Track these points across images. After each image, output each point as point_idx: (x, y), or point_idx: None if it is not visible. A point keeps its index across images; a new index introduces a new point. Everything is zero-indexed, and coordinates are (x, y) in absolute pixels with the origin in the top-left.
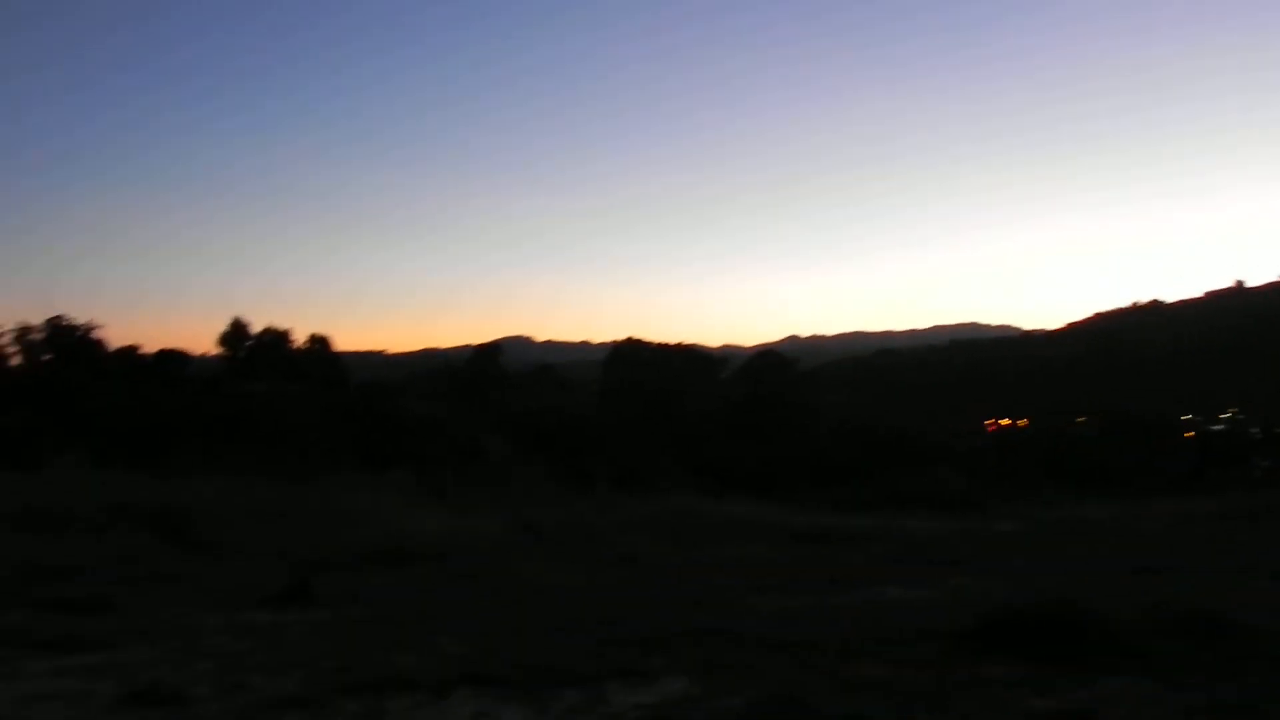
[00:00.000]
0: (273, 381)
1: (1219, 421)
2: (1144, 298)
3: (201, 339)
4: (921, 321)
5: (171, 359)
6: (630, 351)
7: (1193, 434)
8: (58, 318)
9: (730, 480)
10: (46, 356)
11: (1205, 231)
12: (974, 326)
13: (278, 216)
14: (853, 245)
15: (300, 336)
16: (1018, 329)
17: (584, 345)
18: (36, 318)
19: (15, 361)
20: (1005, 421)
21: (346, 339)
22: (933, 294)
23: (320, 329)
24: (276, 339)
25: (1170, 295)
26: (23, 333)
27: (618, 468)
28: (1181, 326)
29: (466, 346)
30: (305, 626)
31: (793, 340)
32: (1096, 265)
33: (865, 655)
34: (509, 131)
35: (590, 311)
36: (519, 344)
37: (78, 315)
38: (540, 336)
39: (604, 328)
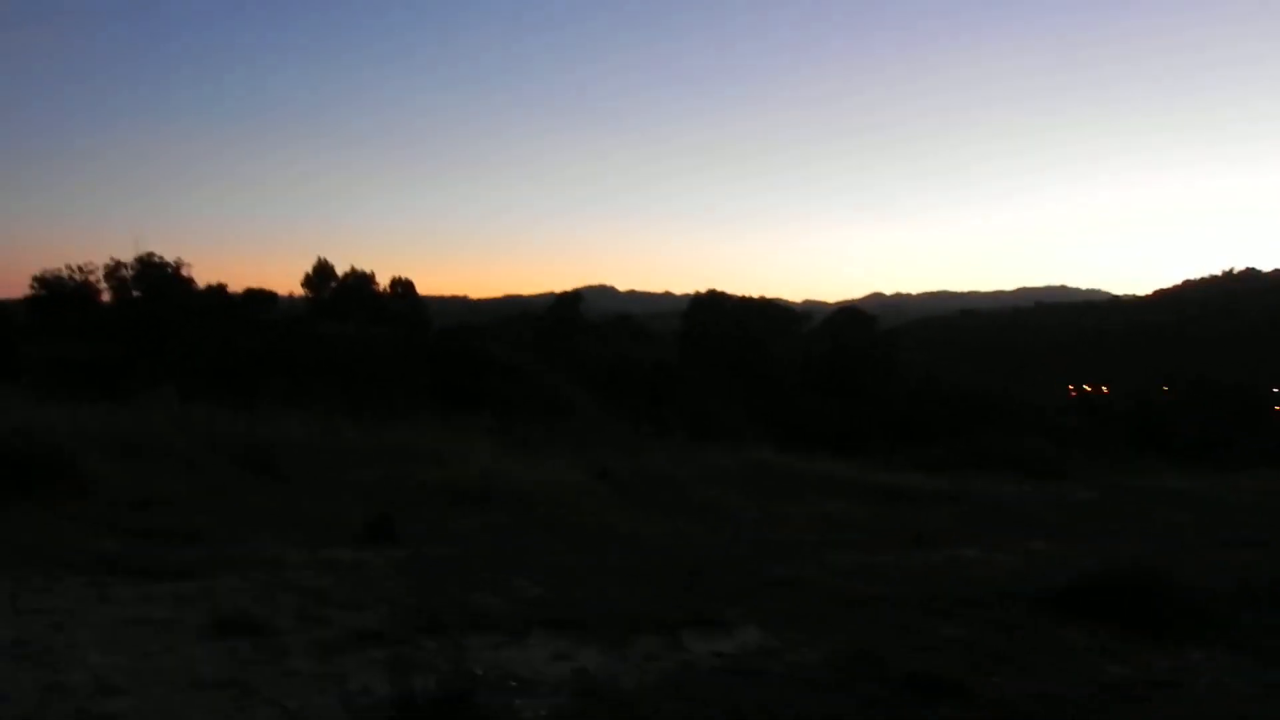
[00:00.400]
0: (357, 323)
1: None
2: (1238, 265)
3: (288, 280)
4: (1008, 283)
5: (258, 298)
6: (712, 303)
7: None
8: (148, 255)
9: (810, 436)
10: (136, 293)
11: None
12: (1062, 289)
13: (366, 160)
14: (940, 203)
15: (384, 280)
16: (1106, 293)
17: (666, 296)
18: (127, 255)
19: (107, 297)
20: (1089, 387)
21: (429, 283)
22: (1020, 254)
23: (404, 273)
24: (360, 281)
25: (1266, 263)
26: (114, 269)
27: (697, 419)
28: (1276, 295)
29: (549, 294)
30: (387, 563)
31: (876, 298)
32: (1191, 230)
33: (943, 614)
34: (599, 79)
35: (673, 262)
36: (601, 292)
37: (167, 253)
38: (622, 286)
39: (687, 279)
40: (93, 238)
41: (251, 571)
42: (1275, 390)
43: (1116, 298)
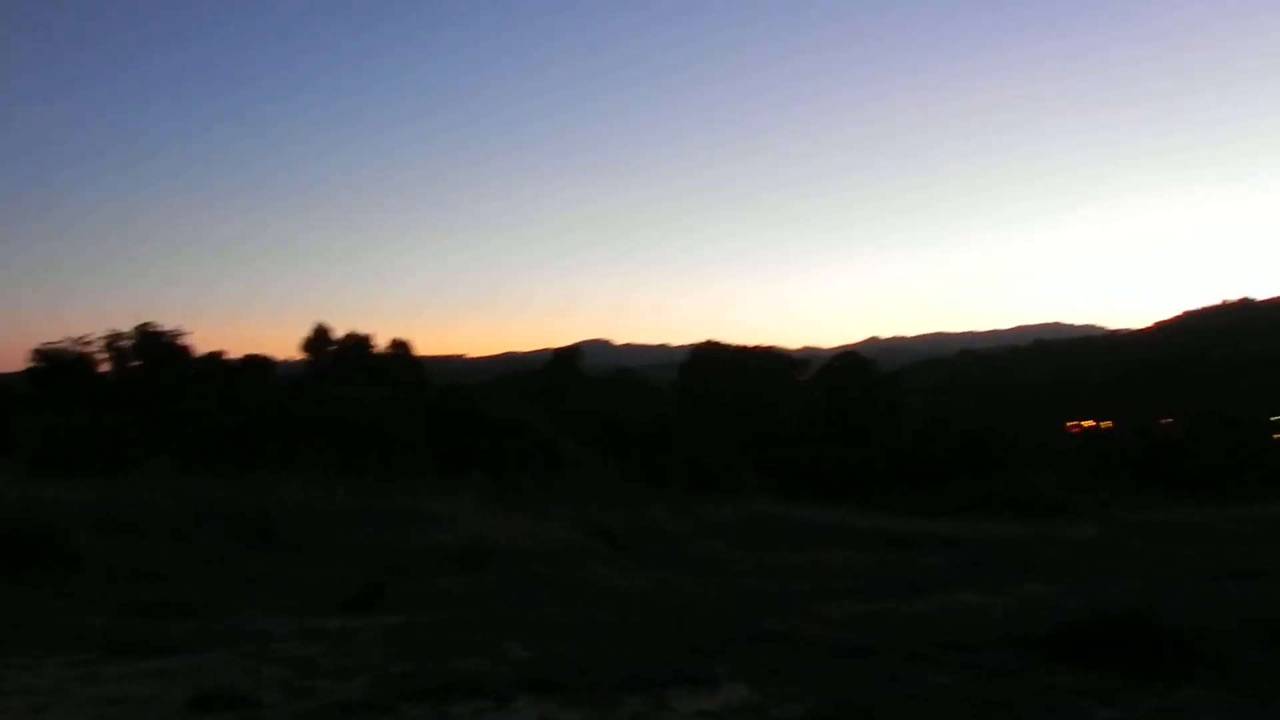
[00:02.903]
0: (355, 386)
1: None
2: (1234, 295)
3: (287, 345)
4: (1004, 322)
5: (257, 364)
6: (709, 354)
7: None
8: (146, 324)
9: (810, 484)
10: (135, 363)
11: None
12: (1058, 326)
13: (362, 223)
14: (934, 244)
15: (382, 341)
16: (1103, 328)
17: (663, 348)
18: (126, 325)
19: (105, 368)
20: (1090, 423)
21: (427, 343)
22: (1016, 293)
23: (402, 334)
24: (359, 344)
25: (1262, 293)
26: (113, 340)
27: (695, 470)
28: (1273, 326)
29: (546, 350)
30: (377, 631)
31: (873, 341)
32: (1185, 261)
33: (934, 662)
34: (591, 132)
35: (670, 314)
36: (598, 347)
37: (166, 322)
38: (619, 339)
39: (683, 330)
40: (92, 310)
41: (239, 644)
42: (1276, 419)
43: (1113, 332)
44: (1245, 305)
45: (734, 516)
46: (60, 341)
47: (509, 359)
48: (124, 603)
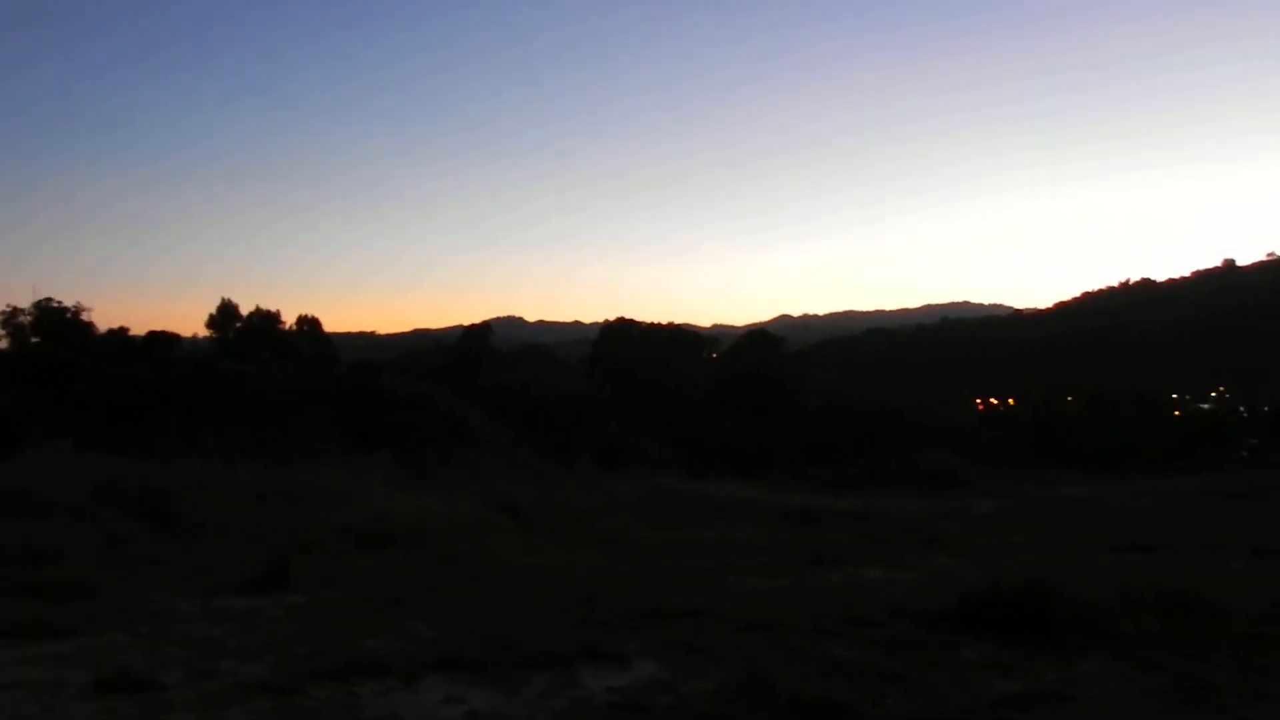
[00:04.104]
0: (262, 362)
1: (1207, 401)
2: (1134, 277)
3: (192, 322)
4: (913, 300)
5: (161, 340)
6: (620, 331)
7: (1180, 413)
8: (46, 300)
9: (717, 460)
10: (35, 339)
11: (1195, 210)
12: (965, 305)
13: (269, 198)
14: (845, 223)
15: (290, 318)
16: (1009, 308)
17: (575, 325)
18: (24, 301)
19: (2, 344)
20: (994, 401)
21: (337, 320)
22: (925, 272)
23: (310, 311)
24: (265, 320)
25: (1160, 274)
26: (10, 316)
27: (604, 447)
28: (1171, 306)
29: (457, 326)
30: (280, 610)
31: (784, 319)
32: (1087, 243)
33: (838, 636)
34: (501, 109)
35: (582, 292)
36: (510, 324)
37: (66, 298)
38: (531, 317)
39: (596, 308)
40: None
41: (140, 625)
42: (1174, 398)
43: (1019, 312)
44: (1145, 285)
45: (642, 492)
46: None
47: (419, 336)
48: (20, 584)
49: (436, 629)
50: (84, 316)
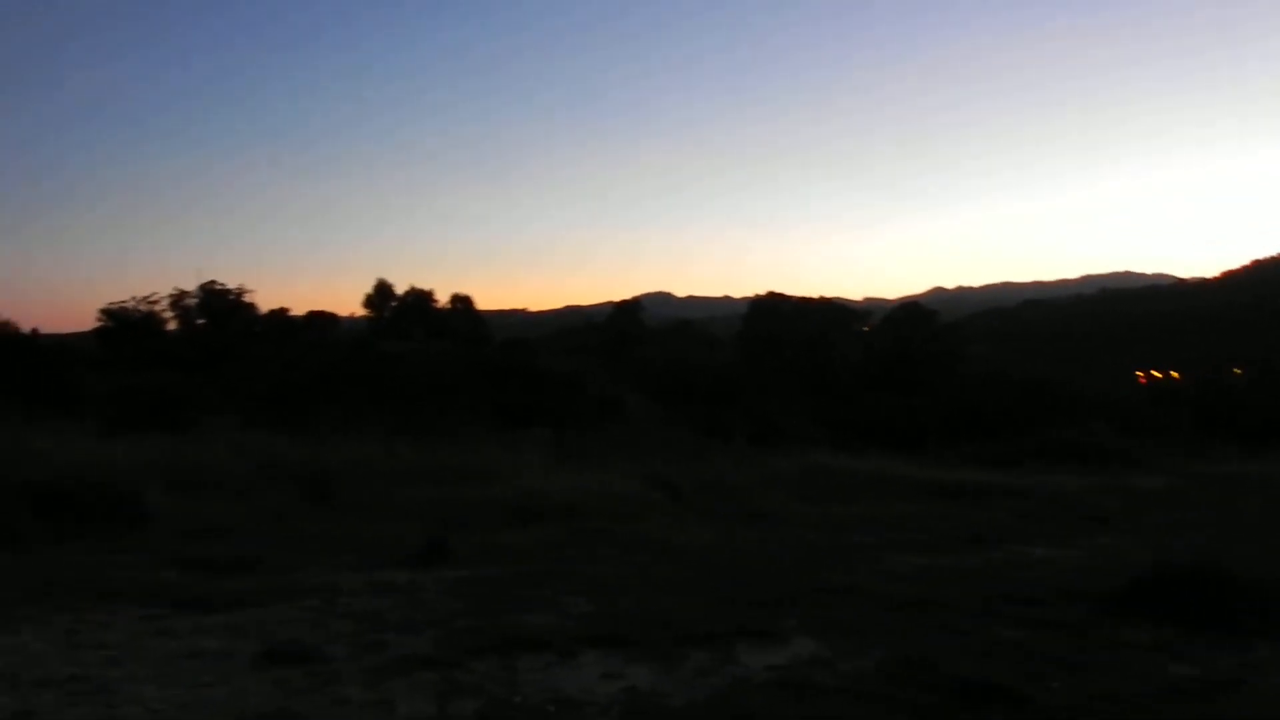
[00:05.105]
0: (417, 341)
1: None
2: None
3: (350, 302)
4: (1072, 271)
5: (320, 321)
6: (771, 305)
7: None
8: (210, 283)
9: (872, 435)
10: (200, 321)
11: None
12: (1127, 275)
13: (424, 179)
14: (1000, 193)
15: (443, 296)
16: (1173, 277)
17: (725, 300)
18: (191, 284)
19: (172, 327)
20: (1157, 373)
21: (489, 298)
22: (1083, 242)
23: (463, 289)
24: (420, 299)
25: None
26: (178, 299)
27: (757, 423)
28: None
29: (608, 303)
30: (441, 585)
31: (938, 292)
32: (1255, 209)
33: (1002, 616)
34: (651, 84)
35: (732, 266)
36: (660, 299)
37: (230, 281)
38: (681, 292)
39: (746, 282)
40: (157, 270)
41: (306, 598)
42: None
43: (1183, 281)
44: None
45: (797, 468)
46: (126, 301)
47: (571, 313)
48: (192, 558)
49: (593, 605)
50: (246, 298)
